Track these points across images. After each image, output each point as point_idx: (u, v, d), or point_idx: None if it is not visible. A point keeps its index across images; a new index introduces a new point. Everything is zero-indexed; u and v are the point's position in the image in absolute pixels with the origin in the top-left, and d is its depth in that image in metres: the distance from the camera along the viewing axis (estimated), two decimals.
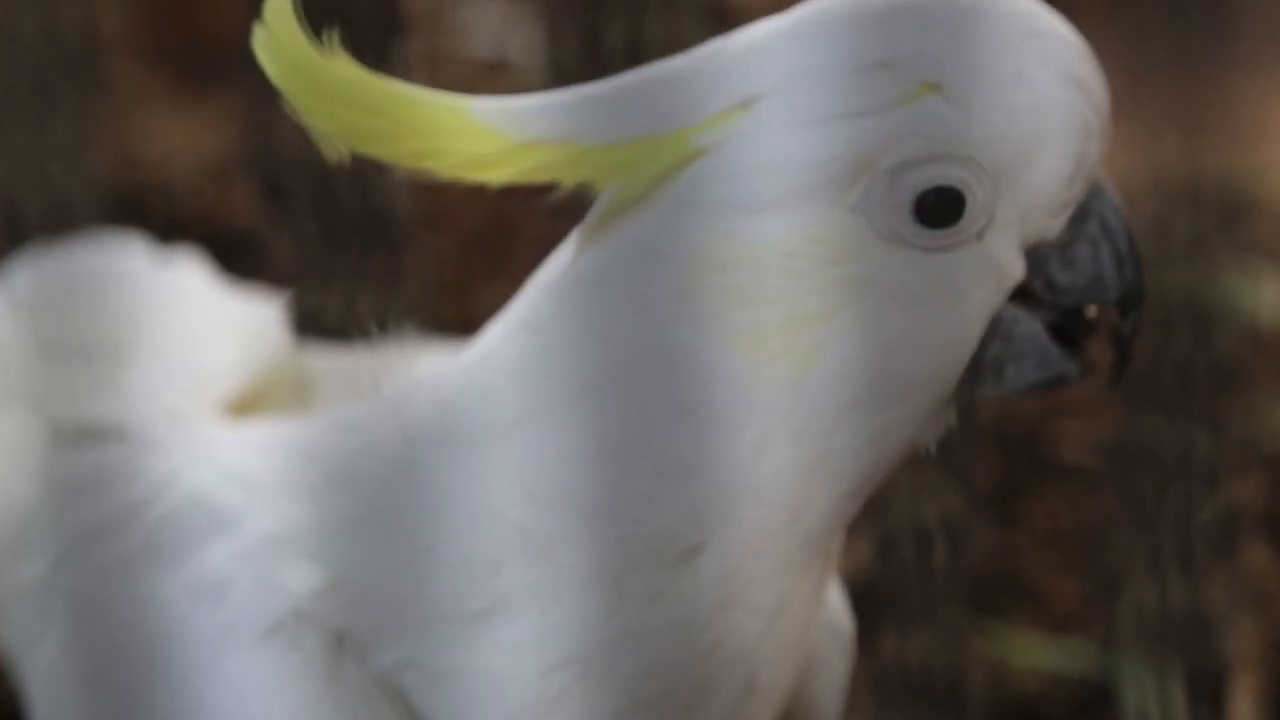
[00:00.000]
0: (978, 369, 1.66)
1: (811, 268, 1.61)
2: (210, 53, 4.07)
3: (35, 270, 2.31)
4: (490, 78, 3.88)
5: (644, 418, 1.66)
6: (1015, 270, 1.64)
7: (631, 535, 1.67)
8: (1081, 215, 1.65)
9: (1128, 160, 3.62)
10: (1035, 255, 1.65)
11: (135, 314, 2.19)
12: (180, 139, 3.79)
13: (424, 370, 1.86)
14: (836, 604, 1.90)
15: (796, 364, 1.62)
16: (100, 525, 1.91)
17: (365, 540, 1.75)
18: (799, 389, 1.63)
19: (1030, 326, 1.67)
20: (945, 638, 2.37)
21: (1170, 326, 3.20)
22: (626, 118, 1.64)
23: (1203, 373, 2.76)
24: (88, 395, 2.09)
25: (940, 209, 1.60)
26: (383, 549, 1.74)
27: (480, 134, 1.64)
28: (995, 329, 1.65)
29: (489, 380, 1.72)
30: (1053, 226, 1.65)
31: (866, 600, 2.11)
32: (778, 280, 1.61)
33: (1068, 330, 1.69)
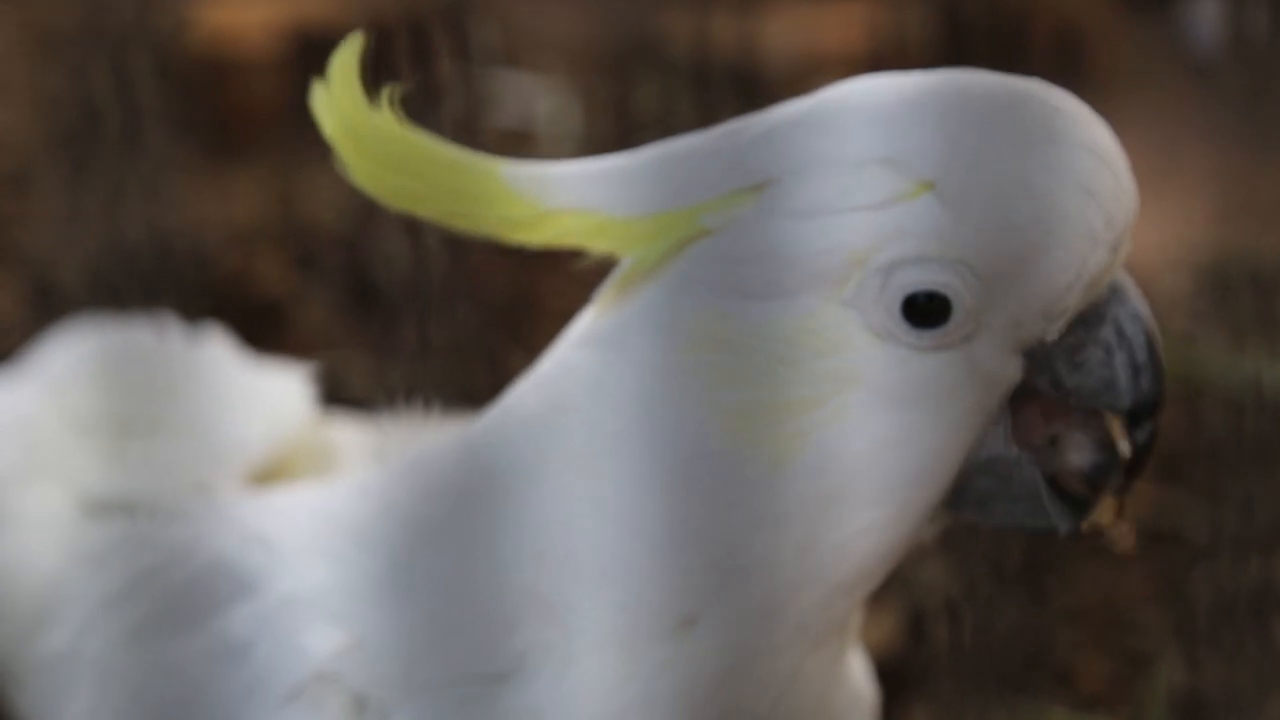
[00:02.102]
0: (962, 494, 1.66)
1: (801, 357, 1.62)
2: (240, 123, 4.10)
3: (67, 346, 2.34)
4: (518, 147, 3.90)
5: (635, 487, 1.67)
6: (1006, 374, 1.63)
7: (630, 602, 1.68)
8: (1096, 319, 1.64)
9: (1159, 236, 3.62)
10: (1040, 354, 1.64)
11: (164, 389, 2.21)
12: (210, 208, 3.81)
13: (447, 433, 1.87)
14: (859, 673, 1.89)
15: (779, 450, 1.63)
16: (125, 591, 1.92)
17: (386, 600, 1.76)
18: (781, 475, 1.63)
19: (1031, 474, 1.65)
20: (974, 715, 2.35)
21: (1199, 403, 3.19)
22: (645, 192, 1.67)
23: (1232, 450, 2.75)
24: (117, 468, 2.12)
25: (929, 310, 1.60)
26: (403, 609, 1.75)
27: (511, 199, 1.67)
28: (993, 467, 1.65)
29: (506, 434, 1.74)
30: (1051, 330, 1.63)
31: (895, 677, 2.10)
32: (767, 365, 1.62)
33: (1072, 484, 1.67)
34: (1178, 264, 3.63)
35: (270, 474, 2.15)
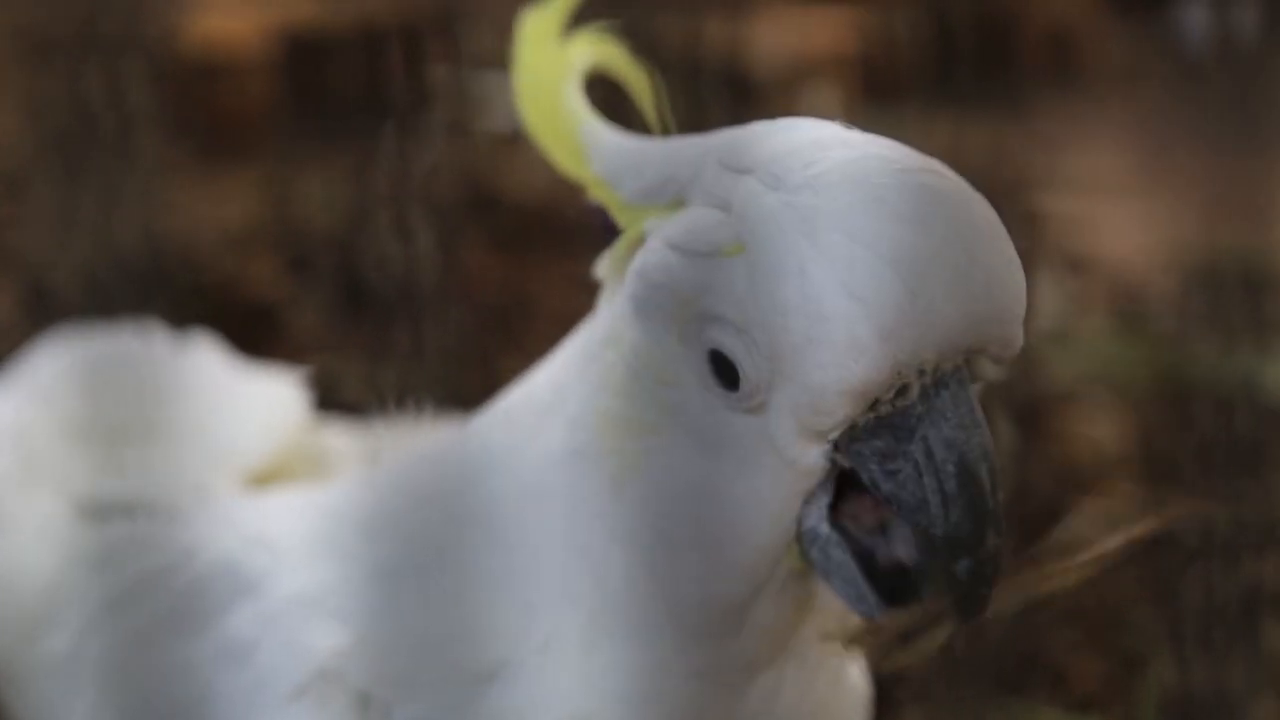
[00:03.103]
0: (811, 563, 1.60)
1: (647, 380, 1.61)
2: (232, 128, 4.10)
3: (60, 354, 2.34)
4: (508, 151, 3.91)
5: (573, 486, 1.67)
6: (806, 459, 1.56)
7: (598, 601, 1.68)
8: (906, 433, 1.54)
9: (1149, 237, 3.63)
10: (855, 449, 1.56)
11: (154, 396, 2.21)
12: (202, 211, 3.81)
13: (447, 431, 1.88)
14: (853, 670, 1.89)
15: (621, 467, 1.62)
16: (127, 593, 1.93)
17: (387, 598, 1.76)
18: (621, 494, 1.63)
19: (840, 555, 1.58)
20: (966, 716, 2.35)
21: (1190, 405, 3.20)
22: (633, 180, 1.68)
23: (1223, 452, 2.75)
24: (112, 475, 2.12)
25: (727, 371, 1.57)
26: (404, 607, 1.76)
27: (581, 158, 1.70)
28: (814, 540, 1.58)
29: (506, 429, 1.75)
30: (831, 430, 1.54)
31: (888, 678, 2.10)
32: (629, 379, 1.62)
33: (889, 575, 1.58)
34: (1167, 265, 3.64)
35: (264, 480, 2.15)
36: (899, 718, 2.64)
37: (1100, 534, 1.67)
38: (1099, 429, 3.36)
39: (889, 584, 1.58)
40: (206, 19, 4.20)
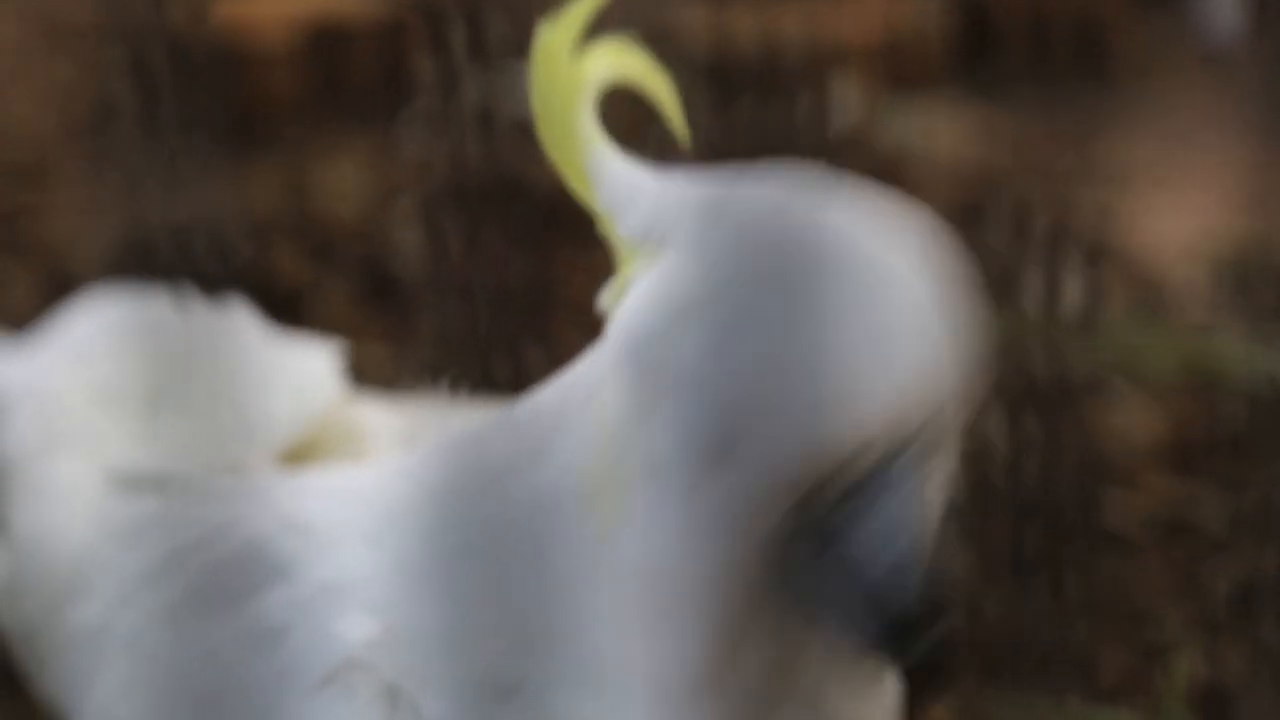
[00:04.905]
0: (805, 594, 1.58)
1: (628, 437, 1.59)
2: (258, 116, 4.10)
3: (91, 318, 2.32)
4: (533, 138, 3.90)
5: (531, 507, 1.66)
6: (763, 522, 1.54)
7: (589, 647, 1.66)
8: (855, 487, 1.53)
9: (1176, 228, 3.62)
10: (817, 519, 1.54)
11: (192, 363, 2.20)
12: (227, 199, 3.82)
13: (488, 416, 1.87)
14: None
15: (607, 516, 1.61)
16: (160, 568, 1.92)
17: (416, 590, 1.75)
18: (610, 544, 1.61)
19: (840, 585, 1.55)
20: (991, 708, 2.35)
21: (1216, 395, 3.19)
22: (630, 216, 1.65)
23: (1250, 441, 2.75)
24: (147, 443, 2.11)
25: (692, 437, 1.54)
26: (438, 601, 1.74)
27: (588, 185, 1.67)
28: (810, 566, 1.56)
29: (550, 426, 1.73)
30: (789, 497, 1.53)
31: (913, 670, 2.10)
32: (611, 436, 1.60)
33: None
34: (1195, 255, 3.63)
35: (299, 453, 2.14)
36: (924, 713, 2.64)
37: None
38: (1127, 420, 3.36)
39: (895, 625, 1.55)
40: (232, 7, 4.21)
